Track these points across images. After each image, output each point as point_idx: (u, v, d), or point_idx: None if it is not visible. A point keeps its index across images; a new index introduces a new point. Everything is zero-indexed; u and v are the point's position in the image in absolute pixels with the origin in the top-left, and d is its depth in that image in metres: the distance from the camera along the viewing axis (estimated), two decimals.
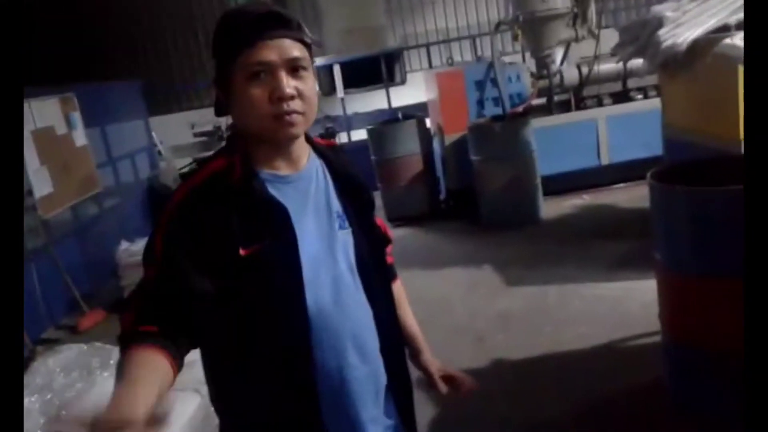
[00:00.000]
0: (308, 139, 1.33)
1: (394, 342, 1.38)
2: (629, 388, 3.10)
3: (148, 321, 1.13)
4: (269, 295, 1.19)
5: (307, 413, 1.23)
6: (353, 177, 1.37)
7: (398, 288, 1.55)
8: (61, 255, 5.46)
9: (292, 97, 1.17)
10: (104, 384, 3.26)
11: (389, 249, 1.55)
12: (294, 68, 1.18)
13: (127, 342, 1.12)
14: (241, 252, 1.16)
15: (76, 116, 6.03)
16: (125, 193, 7.37)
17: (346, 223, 1.30)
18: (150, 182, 7.87)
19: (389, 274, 1.49)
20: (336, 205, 1.30)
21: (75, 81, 6.65)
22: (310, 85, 1.21)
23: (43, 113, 5.49)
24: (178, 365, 1.14)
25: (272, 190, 1.23)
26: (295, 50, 1.19)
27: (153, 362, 1.09)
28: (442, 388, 1.49)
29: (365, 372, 1.28)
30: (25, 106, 5.20)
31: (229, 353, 1.24)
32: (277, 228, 1.20)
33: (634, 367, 3.28)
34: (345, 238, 1.29)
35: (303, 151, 1.30)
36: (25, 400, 3.11)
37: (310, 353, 1.21)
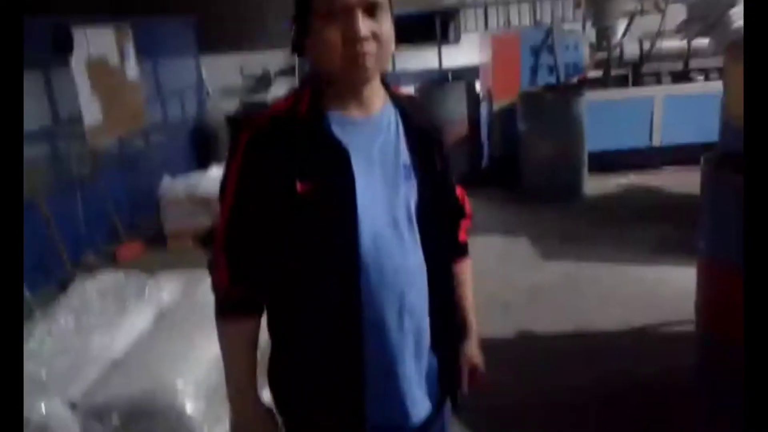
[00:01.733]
0: (386, 87, 1.32)
1: (444, 307, 1.36)
2: (656, 374, 3.07)
3: (236, 280, 1.28)
4: (322, 235, 1.21)
5: (350, 353, 1.25)
6: (430, 131, 1.35)
7: (464, 268, 1.53)
8: (105, 184, 5.58)
9: (365, 39, 1.16)
10: (137, 313, 3.36)
11: (464, 224, 1.53)
12: (371, 9, 1.17)
13: (226, 310, 1.32)
14: (298, 188, 1.18)
15: (130, 49, 6.07)
16: (171, 130, 7.45)
17: (412, 175, 1.28)
18: (196, 121, 7.95)
19: (455, 242, 1.48)
20: (404, 155, 1.28)
21: (130, 12, 6.67)
22: (386, 26, 1.19)
23: (97, 42, 5.53)
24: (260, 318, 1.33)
25: (337, 131, 1.22)
26: None
27: (251, 337, 1.32)
28: (464, 389, 1.48)
29: (409, 327, 1.28)
30: (81, 33, 5.24)
31: (284, 288, 1.28)
32: (336, 169, 1.20)
33: (663, 354, 3.24)
34: (408, 190, 1.28)
35: (377, 96, 1.28)
36: (61, 321, 3.22)
37: (359, 295, 1.22)
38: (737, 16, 3.64)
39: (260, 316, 1.33)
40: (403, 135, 1.30)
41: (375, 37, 1.17)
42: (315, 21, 1.18)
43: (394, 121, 1.30)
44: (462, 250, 1.53)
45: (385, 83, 1.32)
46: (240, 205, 1.25)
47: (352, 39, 1.15)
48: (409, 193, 1.28)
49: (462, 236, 1.52)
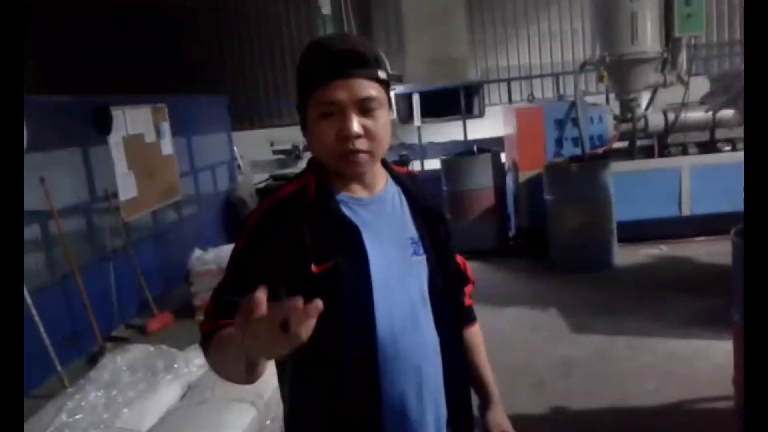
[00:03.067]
0: (386, 166, 1.35)
1: (458, 377, 1.35)
2: None
3: (226, 316, 1.14)
4: (339, 314, 1.18)
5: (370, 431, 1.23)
6: (431, 206, 1.38)
7: (476, 333, 1.53)
8: (137, 257, 5.69)
9: (357, 137, 1.18)
10: (167, 387, 3.36)
11: (468, 290, 1.53)
12: (365, 107, 1.19)
13: (209, 336, 1.18)
14: (314, 269, 1.18)
15: (165, 126, 6.31)
16: (203, 203, 7.63)
17: (421, 250, 1.30)
18: (227, 194, 8.13)
19: (462, 310, 1.47)
20: (411, 231, 1.31)
21: (166, 92, 6.97)
22: (381, 123, 1.21)
23: (135, 121, 5.78)
24: None
25: (346, 211, 1.24)
26: (368, 89, 1.19)
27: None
28: None
29: (428, 401, 1.27)
30: (119, 112, 5.49)
31: (298, 364, 1.26)
32: (349, 247, 1.21)
33: (702, 431, 3.12)
34: (418, 266, 1.29)
35: (379, 176, 1.31)
36: (92, 395, 3.23)
37: (377, 374, 1.21)
38: None
39: None
40: (408, 211, 1.33)
41: (368, 133, 1.19)
42: (312, 115, 1.21)
43: (398, 198, 1.33)
44: (469, 316, 1.53)
45: (385, 163, 1.35)
46: (240, 268, 1.23)
47: (344, 137, 1.18)
48: (419, 267, 1.29)
49: (467, 301, 1.52)
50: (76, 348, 4.82)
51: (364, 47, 1.22)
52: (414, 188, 1.37)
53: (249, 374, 1.04)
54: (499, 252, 6.63)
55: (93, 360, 4.39)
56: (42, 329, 4.19)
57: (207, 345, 1.20)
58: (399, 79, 8.71)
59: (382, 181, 1.32)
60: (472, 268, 1.56)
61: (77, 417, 2.98)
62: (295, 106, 1.28)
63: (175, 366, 3.57)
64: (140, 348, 3.94)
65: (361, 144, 1.19)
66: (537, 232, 6.38)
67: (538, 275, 5.94)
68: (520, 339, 4.51)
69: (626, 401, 3.48)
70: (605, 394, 3.57)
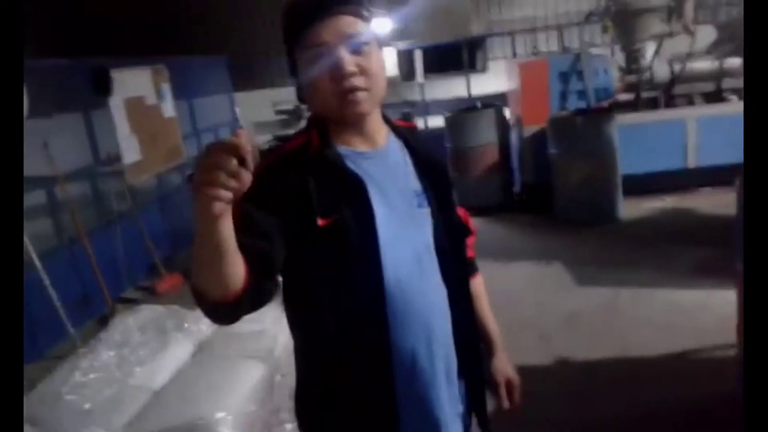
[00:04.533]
0: (386, 120, 1.34)
1: (467, 328, 1.37)
2: (698, 400, 2.99)
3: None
4: (346, 267, 1.19)
5: (381, 385, 1.24)
6: (433, 158, 1.37)
7: (478, 284, 1.55)
8: (144, 220, 5.73)
9: (353, 74, 1.17)
10: (177, 345, 3.42)
11: (470, 241, 1.53)
12: (355, 45, 1.18)
13: None
14: (319, 222, 1.17)
15: (166, 88, 6.26)
16: None
17: (425, 203, 1.30)
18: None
19: (467, 261, 1.47)
20: (415, 184, 1.30)
21: (166, 54, 6.90)
22: (374, 60, 1.20)
23: (135, 83, 5.73)
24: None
25: (349, 164, 1.23)
26: (354, 26, 1.18)
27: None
28: (505, 403, 1.50)
29: (437, 352, 1.28)
30: (119, 75, 5.44)
31: (308, 317, 1.26)
32: (353, 200, 1.20)
33: (705, 379, 3.16)
34: (423, 218, 1.29)
35: (379, 129, 1.30)
36: (104, 354, 3.29)
37: (386, 326, 1.22)
38: None
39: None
40: (411, 164, 1.32)
41: (362, 71, 1.18)
42: (302, 62, 1.19)
43: (400, 151, 1.32)
44: (472, 267, 1.54)
45: (385, 116, 1.34)
46: (244, 219, 1.09)
47: (339, 76, 1.17)
48: (424, 220, 1.29)
49: (470, 253, 1.53)
50: (87, 311, 4.89)
51: None
52: (415, 141, 1.36)
53: (224, 278, 1.01)
54: (504, 207, 6.63)
55: (104, 322, 4.46)
56: (52, 293, 4.25)
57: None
58: (381, 14, 8.51)
59: (383, 134, 1.31)
60: (476, 224, 1.57)
61: (91, 376, 3.05)
62: (286, 59, 1.26)
63: (186, 325, 3.62)
64: (150, 308, 3.99)
65: (358, 81, 1.18)
66: (542, 187, 6.36)
67: (543, 230, 5.95)
68: (526, 293, 4.55)
69: (630, 351, 3.52)
70: (610, 345, 3.61)
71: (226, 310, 1.08)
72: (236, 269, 1.04)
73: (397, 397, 1.25)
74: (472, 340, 1.39)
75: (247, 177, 0.91)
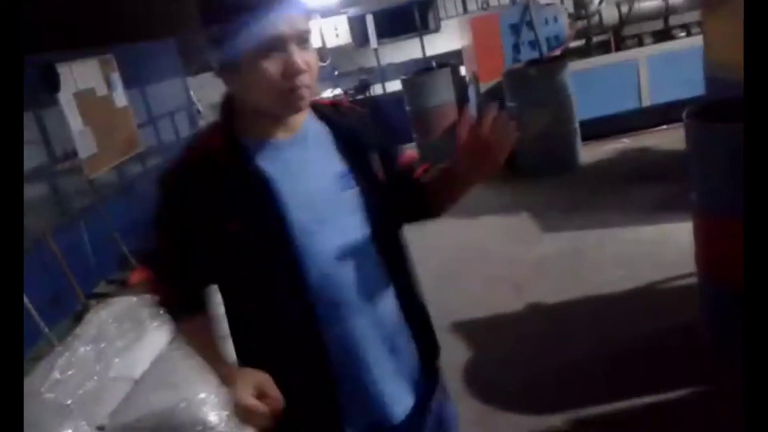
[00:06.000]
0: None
1: (410, 300, 1.34)
2: (665, 330, 3.11)
3: (179, 287, 1.33)
4: (266, 267, 1.19)
5: (320, 381, 1.23)
6: (358, 129, 1.31)
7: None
8: (108, 213, 5.66)
9: (303, 72, 1.14)
10: (154, 333, 3.43)
11: (420, 170, 1.43)
12: (303, 41, 1.15)
13: (177, 313, 1.37)
14: (230, 227, 1.16)
15: (116, 77, 6.14)
16: (167, 152, 7.52)
17: (352, 183, 1.25)
18: (190, 141, 8.01)
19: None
20: (338, 165, 1.25)
21: (112, 42, 6.74)
22: (314, 56, 1.19)
23: (83, 75, 5.61)
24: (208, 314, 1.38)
25: (261, 159, 1.19)
26: (305, 22, 1.16)
27: (207, 332, 1.35)
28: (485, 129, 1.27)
29: (380, 334, 1.26)
30: (66, 68, 5.32)
31: (239, 325, 1.31)
32: (262, 198, 1.17)
33: (670, 309, 3.28)
34: (351, 200, 1.24)
35: (297, 115, 1.25)
36: (81, 350, 3.30)
37: (315, 321, 1.20)
38: None
39: (206, 312, 1.37)
40: (334, 144, 1.27)
41: (308, 66, 1.15)
42: (246, 53, 1.12)
43: (322, 133, 1.28)
44: (420, 181, 1.41)
45: None
46: (165, 233, 1.28)
47: (291, 73, 1.13)
48: (353, 201, 1.24)
49: (419, 172, 1.43)
50: (60, 309, 4.85)
51: None
52: (337, 119, 1.30)
53: None
54: None
55: (78, 318, 4.44)
56: (23, 295, 4.21)
57: (176, 315, 1.37)
58: (314, 15, 8.45)
59: (300, 119, 1.26)
60: None
61: (69, 373, 3.06)
62: (211, 45, 1.17)
63: (161, 312, 3.63)
64: (123, 300, 3.99)
65: (306, 79, 1.15)
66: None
67: (506, 182, 6.00)
68: (494, 245, 4.63)
69: (597, 291, 3.63)
70: (577, 287, 3.71)
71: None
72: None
73: (339, 388, 1.24)
74: (416, 310, 1.36)
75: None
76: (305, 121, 1.26)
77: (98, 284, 5.48)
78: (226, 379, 1.25)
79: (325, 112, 1.31)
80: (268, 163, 1.19)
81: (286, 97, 1.15)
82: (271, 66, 1.12)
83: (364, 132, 1.33)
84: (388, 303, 1.29)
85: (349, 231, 1.24)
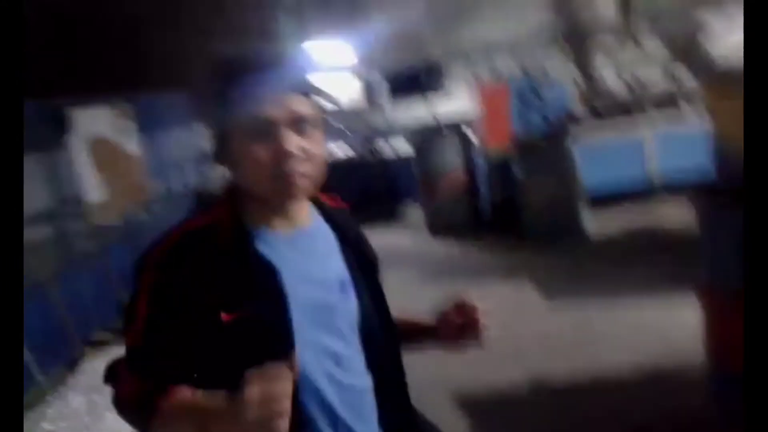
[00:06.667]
0: (314, 198, 1.22)
1: (398, 415, 1.24)
2: (671, 414, 3.04)
3: (152, 379, 1.08)
4: (255, 364, 1.02)
5: None
6: (364, 245, 1.25)
7: None
8: (112, 259, 5.64)
9: (295, 157, 1.06)
10: None
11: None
12: (299, 125, 1.07)
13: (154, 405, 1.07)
14: (223, 317, 1.04)
15: (129, 125, 6.24)
16: (174, 201, 7.56)
17: (351, 290, 1.18)
18: (198, 190, 8.08)
19: (398, 346, 1.28)
20: (340, 270, 1.18)
21: (128, 91, 6.87)
22: (318, 143, 1.10)
23: (97, 122, 5.70)
24: None
25: (264, 249, 1.11)
26: (303, 106, 1.08)
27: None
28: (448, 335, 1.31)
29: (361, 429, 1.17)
30: (82, 115, 5.41)
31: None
32: (264, 291, 1.08)
33: (677, 393, 3.21)
34: (347, 306, 1.17)
35: (303, 208, 1.18)
36: (73, 401, 3.24)
37: (300, 417, 1.08)
38: (713, 50, 3.76)
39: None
40: (338, 248, 1.20)
41: (306, 155, 1.08)
42: (238, 135, 1.07)
43: (325, 234, 1.21)
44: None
45: (313, 195, 1.22)
46: (152, 329, 1.08)
47: (280, 157, 1.06)
48: (349, 308, 1.17)
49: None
50: (55, 355, 4.77)
51: (296, 63, 1.13)
52: (342, 221, 1.24)
53: None
54: (473, 229, 6.70)
55: (73, 366, 4.37)
56: None
57: (142, 410, 1.08)
58: (331, 101, 8.68)
59: (306, 213, 1.19)
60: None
61: (60, 425, 2.99)
62: (212, 131, 1.14)
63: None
64: (120, 350, 3.93)
65: (299, 165, 1.07)
66: (509, 206, 6.46)
67: (512, 249, 6.02)
68: (497, 313, 4.56)
69: (604, 368, 3.56)
70: (581, 363, 3.65)
71: None
72: None
73: None
74: (403, 423, 1.26)
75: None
76: (312, 219, 1.20)
77: (95, 332, 5.41)
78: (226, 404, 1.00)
79: (330, 212, 1.24)
80: (272, 254, 1.11)
81: (277, 183, 1.08)
82: (260, 150, 1.06)
83: (364, 239, 1.27)
84: (371, 409, 1.19)
85: (339, 339, 1.14)
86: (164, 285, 1.08)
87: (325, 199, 1.25)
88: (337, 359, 1.14)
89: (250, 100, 1.05)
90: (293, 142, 1.06)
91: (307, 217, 1.19)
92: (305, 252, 1.15)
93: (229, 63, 1.12)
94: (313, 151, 1.09)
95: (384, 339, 1.21)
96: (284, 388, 0.92)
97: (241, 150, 1.08)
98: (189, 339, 1.06)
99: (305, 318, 1.10)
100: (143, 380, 1.09)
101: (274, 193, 1.10)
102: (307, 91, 1.11)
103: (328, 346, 1.13)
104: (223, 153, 1.12)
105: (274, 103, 1.06)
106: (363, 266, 1.22)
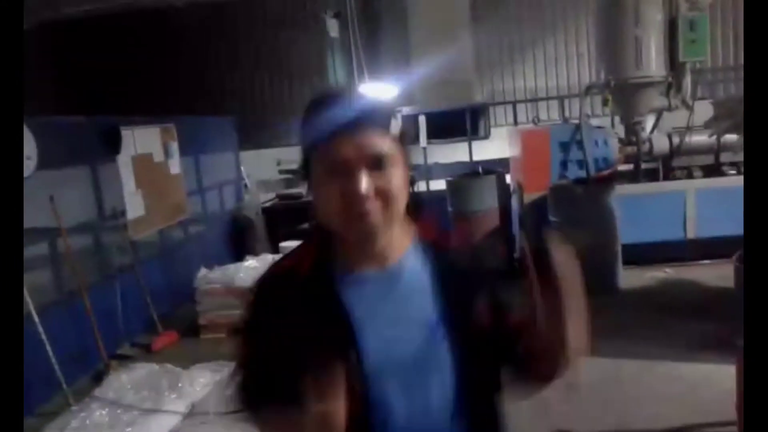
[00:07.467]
0: (413, 222, 1.18)
1: None
2: None
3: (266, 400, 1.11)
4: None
5: None
6: (462, 279, 1.17)
7: None
8: (144, 275, 5.73)
9: (367, 198, 1.03)
10: (171, 405, 3.37)
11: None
12: (376, 163, 1.05)
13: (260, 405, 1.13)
14: (301, 353, 1.02)
15: (174, 146, 6.38)
16: (210, 222, 7.68)
17: (445, 334, 1.11)
18: (234, 213, 8.19)
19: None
20: (431, 311, 1.12)
21: (175, 113, 7.06)
22: (395, 180, 1.06)
23: (144, 141, 5.85)
24: None
25: (346, 291, 1.10)
26: (379, 145, 1.05)
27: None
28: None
29: None
30: (128, 132, 5.56)
31: None
32: (336, 336, 1.06)
33: None
34: (439, 353, 1.11)
35: (391, 244, 1.13)
36: (96, 413, 3.26)
37: None
38: None
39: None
40: (431, 285, 1.14)
41: (380, 193, 1.04)
42: (317, 173, 1.07)
43: (418, 269, 1.15)
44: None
45: (413, 227, 1.17)
46: (251, 351, 1.16)
47: (351, 199, 1.03)
48: (442, 355, 1.11)
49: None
50: (81, 366, 4.84)
51: (373, 99, 1.13)
52: (443, 256, 1.18)
53: None
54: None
55: (98, 378, 4.41)
56: (48, 346, 4.22)
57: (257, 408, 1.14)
58: (408, 140, 8.78)
59: (396, 249, 1.14)
60: None
61: None
62: (300, 163, 1.14)
63: (180, 385, 3.59)
64: (145, 366, 3.96)
65: (372, 205, 1.04)
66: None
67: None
68: None
69: (630, 425, 3.47)
70: (610, 419, 3.56)
71: None
72: None
73: None
74: None
75: None
76: (403, 255, 1.15)
77: (122, 346, 5.47)
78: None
79: (429, 247, 1.18)
80: (353, 296, 1.10)
81: (349, 222, 1.06)
82: (333, 188, 1.04)
83: (472, 277, 1.20)
84: None
85: (432, 391, 1.10)
86: (251, 325, 1.16)
87: (423, 232, 1.19)
88: (429, 410, 1.10)
89: (329, 137, 1.04)
90: (368, 181, 1.03)
91: (398, 250, 1.15)
92: (391, 292, 1.12)
93: (314, 101, 1.11)
94: (391, 189, 1.06)
95: (479, 383, 1.15)
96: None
97: (318, 186, 1.08)
98: (271, 375, 1.09)
99: (389, 365, 1.08)
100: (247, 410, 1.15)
101: (345, 231, 1.08)
102: (384, 125, 1.08)
103: (418, 399, 1.09)
104: (309, 187, 1.12)
105: (350, 142, 1.04)
106: (459, 303, 1.14)
